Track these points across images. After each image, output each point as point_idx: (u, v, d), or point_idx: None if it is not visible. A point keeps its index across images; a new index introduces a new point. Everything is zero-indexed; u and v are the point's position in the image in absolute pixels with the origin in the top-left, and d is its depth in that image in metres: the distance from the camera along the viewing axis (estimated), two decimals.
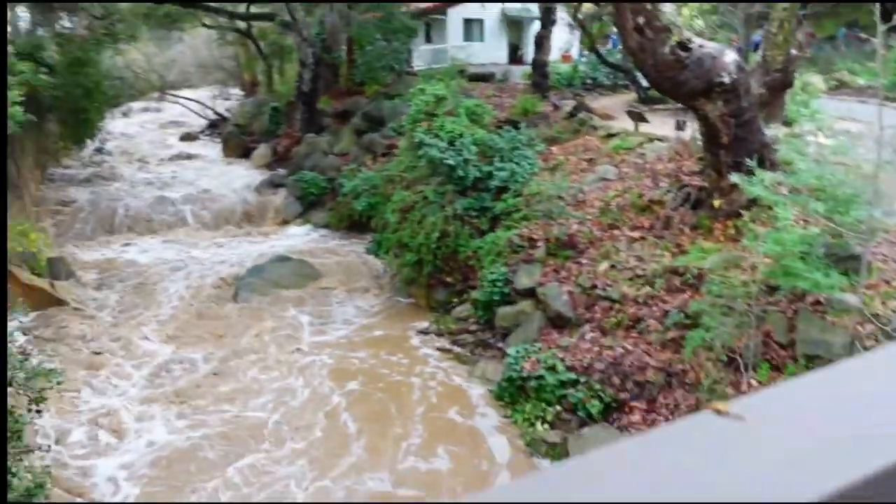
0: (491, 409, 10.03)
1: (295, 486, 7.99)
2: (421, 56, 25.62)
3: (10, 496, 3.78)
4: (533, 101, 18.88)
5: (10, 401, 4.56)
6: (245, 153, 26.55)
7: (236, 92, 40.64)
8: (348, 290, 14.64)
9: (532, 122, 17.38)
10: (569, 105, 19.38)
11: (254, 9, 29.37)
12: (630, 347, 9.40)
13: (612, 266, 10.95)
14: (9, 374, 4.54)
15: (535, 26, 23.61)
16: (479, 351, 11.81)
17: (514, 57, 27.65)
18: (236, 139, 27.95)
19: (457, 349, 11.95)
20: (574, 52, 27.37)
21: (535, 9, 24.07)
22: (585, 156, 15.36)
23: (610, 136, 16.09)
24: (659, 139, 14.96)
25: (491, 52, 26.31)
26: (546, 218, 12.37)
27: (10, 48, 12.28)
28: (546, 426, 9.16)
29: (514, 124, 15.97)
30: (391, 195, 14.22)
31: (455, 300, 13.34)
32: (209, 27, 33.82)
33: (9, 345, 4.76)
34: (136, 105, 33.00)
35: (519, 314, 11.46)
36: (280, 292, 14.12)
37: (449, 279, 13.50)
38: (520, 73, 24.44)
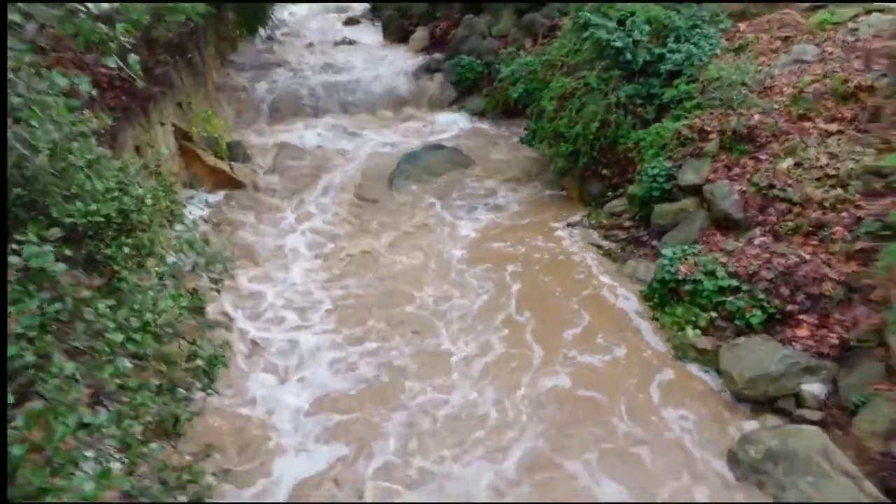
0: (640, 309, 9.72)
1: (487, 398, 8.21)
2: None
3: (195, 364, 4.36)
4: None
5: (193, 283, 5.18)
6: (404, 37, 26.39)
7: None
8: (500, 180, 14.52)
9: None
10: None
11: None
12: (807, 256, 8.43)
13: (798, 164, 9.64)
14: (192, 258, 5.13)
15: None
16: (631, 248, 11.30)
17: None
18: (396, 23, 27.75)
19: (607, 245, 11.55)
20: None
21: None
22: (780, 33, 13.22)
23: (815, 7, 13.62)
24: (878, 10, 12.41)
25: None
26: (724, 107, 11.03)
27: None
28: (697, 331, 8.71)
29: None
30: (550, 81, 13.44)
31: (610, 194, 12.71)
32: None
33: (193, 232, 5.32)
34: None
35: (679, 212, 10.67)
36: (433, 179, 14.38)
37: (605, 172, 12.80)
38: None
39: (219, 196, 13.33)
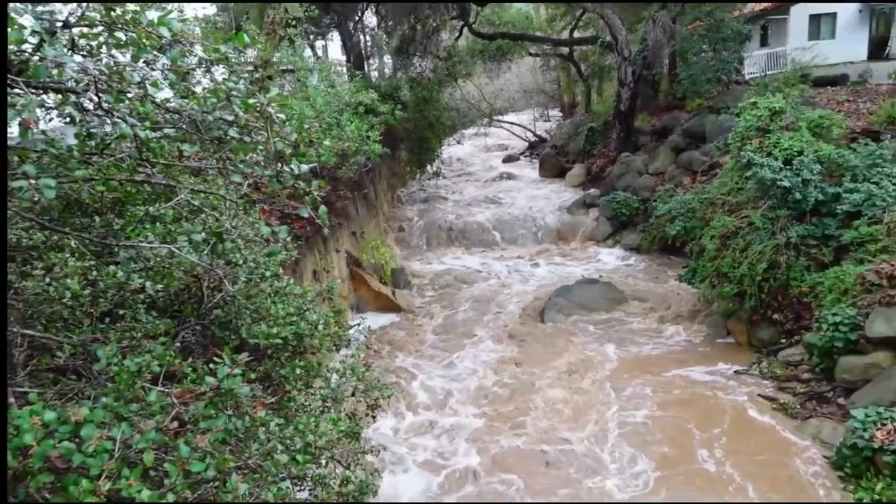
0: (829, 480, 8.40)
1: None
2: (755, 62, 23.14)
3: (347, 489, 4.48)
4: None
5: (351, 406, 5.45)
6: (560, 173, 27.48)
7: (556, 114, 42.41)
8: (656, 318, 13.92)
9: None
10: None
11: (577, 34, 30.28)
12: None
13: None
14: (353, 383, 5.45)
15: None
16: (813, 405, 10.05)
17: (877, 52, 23.06)
18: (552, 160, 29.09)
19: (783, 398, 10.37)
20: None
21: None
22: None
23: None
24: None
25: (844, 49, 22.37)
26: None
27: (373, 93, 14.74)
28: None
29: (875, 136, 13.25)
30: (710, 219, 13.07)
31: (783, 341, 11.62)
32: (534, 55, 36.01)
33: (354, 357, 5.68)
34: (467, 132, 36.82)
35: (869, 368, 9.43)
36: (586, 315, 14.13)
37: (776, 316, 11.80)
38: (885, 72, 20.26)
39: (381, 320, 14.15)
